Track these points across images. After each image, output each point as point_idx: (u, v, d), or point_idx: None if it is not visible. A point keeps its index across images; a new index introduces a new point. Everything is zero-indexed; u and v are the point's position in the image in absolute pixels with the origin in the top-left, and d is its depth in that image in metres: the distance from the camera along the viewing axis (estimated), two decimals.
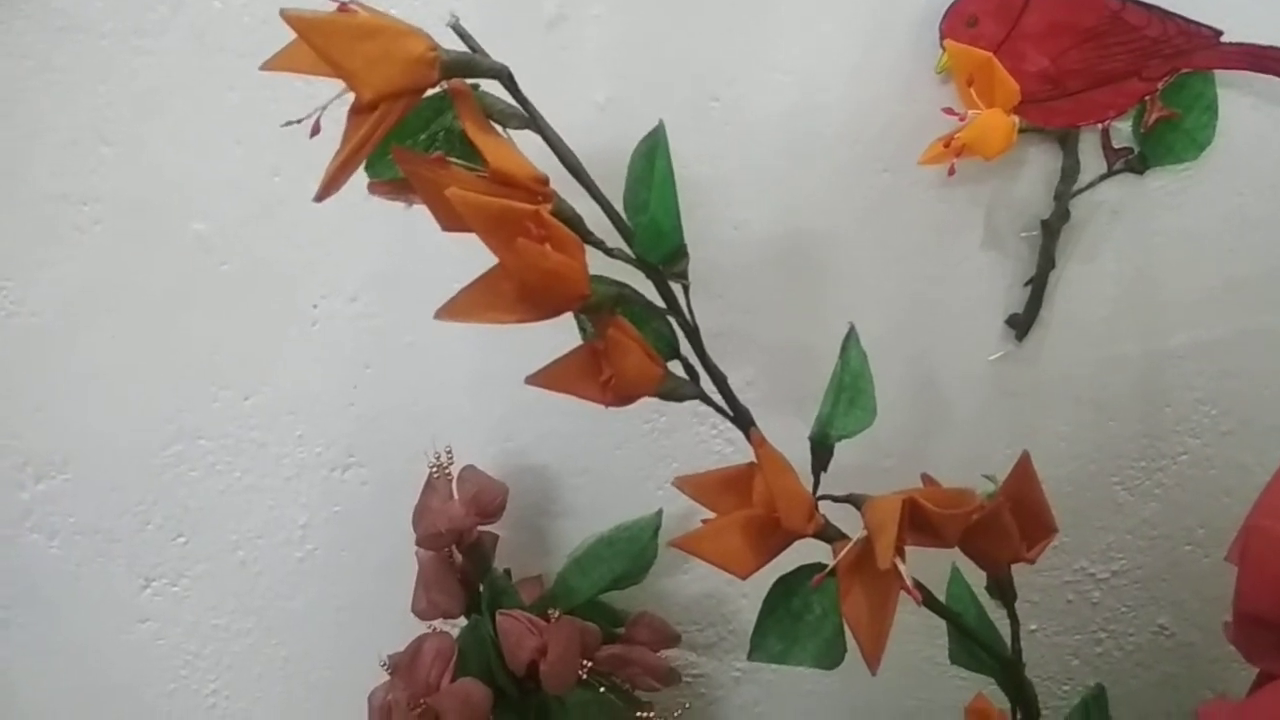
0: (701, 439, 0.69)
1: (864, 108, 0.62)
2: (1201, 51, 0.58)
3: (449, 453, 0.62)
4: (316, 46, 0.39)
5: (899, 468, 0.69)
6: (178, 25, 0.61)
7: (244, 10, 0.60)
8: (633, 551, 0.63)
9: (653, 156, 0.45)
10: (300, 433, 0.69)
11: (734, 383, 0.65)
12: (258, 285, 0.65)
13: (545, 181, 0.44)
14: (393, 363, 0.67)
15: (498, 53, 0.59)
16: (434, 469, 0.60)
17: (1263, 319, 0.67)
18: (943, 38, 0.58)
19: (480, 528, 0.62)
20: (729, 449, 0.69)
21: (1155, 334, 0.67)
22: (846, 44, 0.61)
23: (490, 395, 0.67)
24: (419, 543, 0.61)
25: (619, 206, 0.48)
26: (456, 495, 0.61)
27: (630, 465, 0.70)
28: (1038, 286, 0.65)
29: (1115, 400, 0.69)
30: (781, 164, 0.63)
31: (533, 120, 0.45)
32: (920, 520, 0.47)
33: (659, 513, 0.64)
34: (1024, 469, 0.49)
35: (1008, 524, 0.49)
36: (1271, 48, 0.58)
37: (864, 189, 0.64)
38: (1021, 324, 0.66)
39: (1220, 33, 0.58)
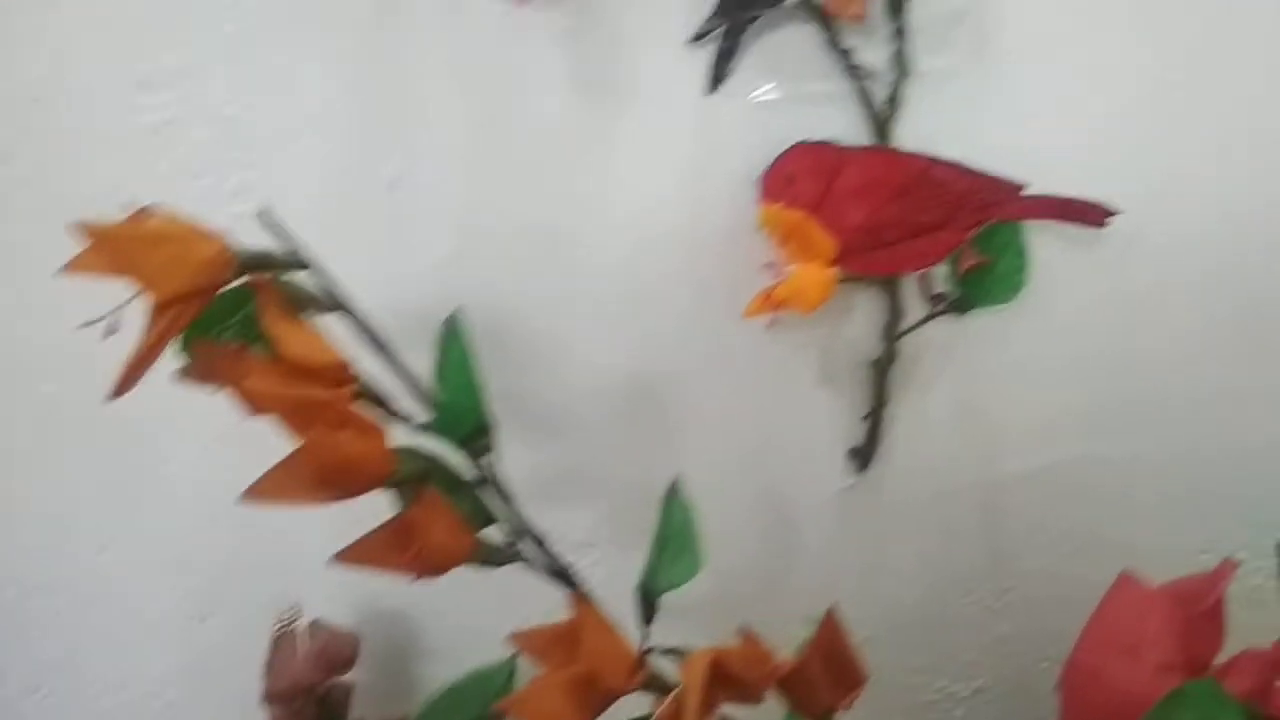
0: None
1: (698, 256, 0.64)
2: (1007, 203, 0.61)
3: (295, 608, 0.62)
4: (108, 255, 0.41)
5: (755, 595, 0.71)
6: (21, 192, 0.62)
7: (85, 176, 0.62)
8: (485, 699, 0.63)
9: (450, 339, 0.46)
10: (157, 584, 0.69)
11: (584, 522, 0.67)
12: (110, 441, 0.66)
13: (347, 366, 0.46)
14: (247, 513, 0.67)
15: (338, 215, 0.61)
16: (278, 626, 0.61)
17: (1091, 446, 0.70)
18: (762, 196, 0.61)
19: (332, 679, 0.62)
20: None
21: (991, 462, 0.70)
22: (680, 195, 0.63)
23: (346, 540, 0.68)
24: (265, 699, 0.61)
25: None
26: (304, 650, 0.61)
27: (493, 604, 0.70)
28: (874, 422, 0.68)
29: (959, 525, 0.71)
30: (623, 310, 0.65)
31: (339, 303, 0.47)
32: (727, 678, 0.48)
33: (513, 658, 0.65)
34: (830, 624, 0.51)
35: (816, 677, 0.50)
36: (1072, 199, 0.61)
37: (703, 331, 0.66)
38: (862, 456, 0.69)
39: (1023, 186, 0.61)
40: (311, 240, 0.60)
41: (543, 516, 0.69)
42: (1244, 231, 0.65)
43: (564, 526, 0.70)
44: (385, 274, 0.63)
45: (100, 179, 0.61)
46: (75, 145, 0.61)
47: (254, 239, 0.46)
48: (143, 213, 0.43)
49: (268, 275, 0.45)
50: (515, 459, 0.67)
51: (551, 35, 0.59)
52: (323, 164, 0.61)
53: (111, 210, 0.57)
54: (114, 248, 0.41)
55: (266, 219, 0.47)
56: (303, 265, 0.46)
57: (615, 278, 0.65)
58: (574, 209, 0.63)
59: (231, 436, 0.66)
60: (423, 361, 0.53)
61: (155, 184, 0.61)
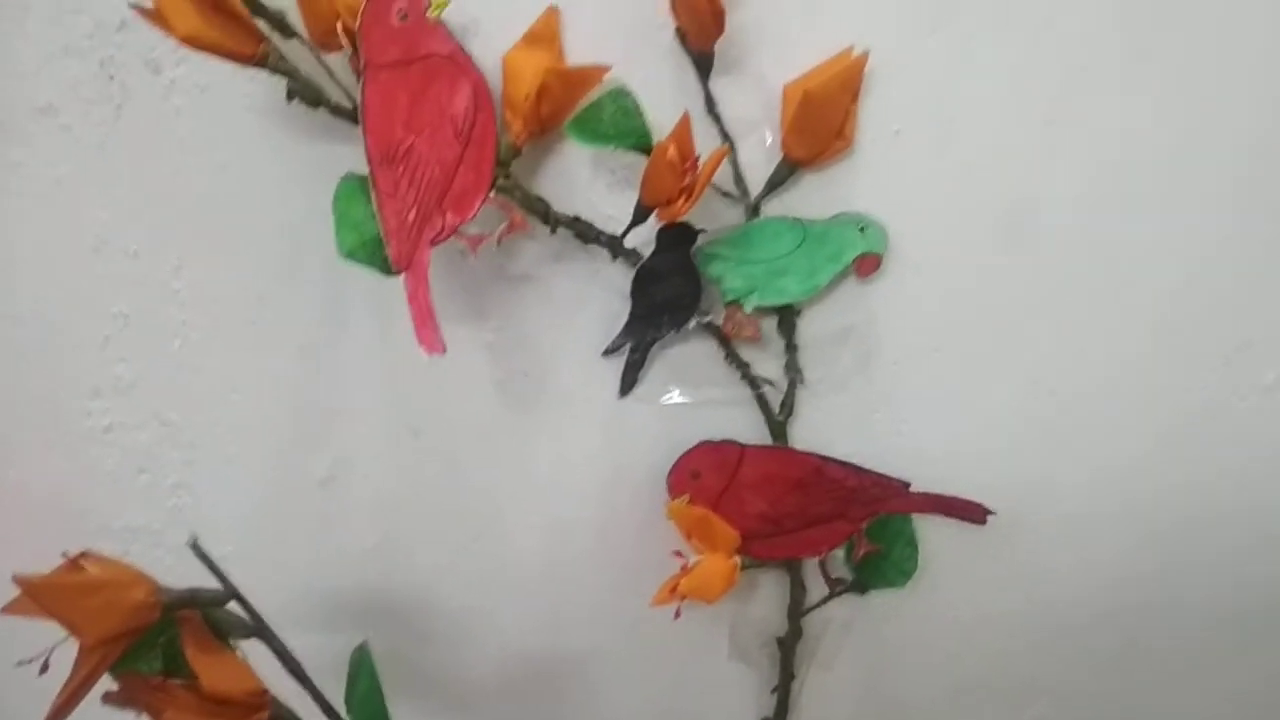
0: None
1: (611, 542, 0.69)
2: (895, 498, 0.66)
3: None
4: (42, 605, 0.45)
5: None
6: None
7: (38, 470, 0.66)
8: None
9: (358, 671, 0.50)
10: None
11: None
12: None
13: (261, 693, 0.49)
14: None
15: (272, 514, 0.65)
16: None
17: (990, 713, 0.73)
18: (670, 490, 0.65)
19: None
20: None
21: None
22: (594, 488, 0.68)
23: None
24: None
25: None
26: None
27: None
28: (782, 695, 0.71)
29: None
30: (542, 591, 0.69)
31: (259, 631, 0.50)
32: None
33: None
34: None
35: None
36: (954, 497, 0.66)
37: (618, 611, 0.70)
38: None
39: (909, 484, 0.66)
40: (246, 534, 0.64)
41: None
42: (1117, 518, 0.70)
43: None
44: (316, 563, 0.67)
45: (52, 473, 0.65)
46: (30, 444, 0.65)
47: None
48: (78, 560, 0.47)
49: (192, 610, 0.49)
50: None
51: (475, 346, 0.65)
52: (258, 463, 0.65)
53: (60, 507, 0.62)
54: (47, 599, 0.44)
55: (197, 550, 0.50)
56: (227, 599, 0.49)
57: (534, 562, 0.69)
58: (496, 500, 0.68)
59: None
60: (349, 644, 0.57)
61: (102, 479, 0.65)
